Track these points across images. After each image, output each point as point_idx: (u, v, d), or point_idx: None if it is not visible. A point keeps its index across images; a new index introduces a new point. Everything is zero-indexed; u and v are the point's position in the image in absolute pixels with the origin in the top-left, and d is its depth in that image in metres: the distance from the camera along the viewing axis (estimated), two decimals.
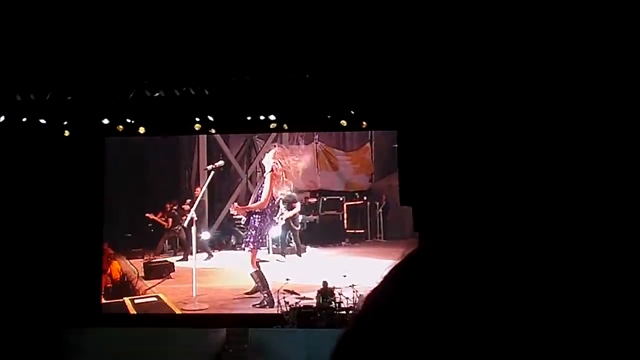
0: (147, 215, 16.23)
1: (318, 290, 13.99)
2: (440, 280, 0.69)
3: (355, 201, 16.76)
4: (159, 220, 16.24)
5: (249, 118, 13.90)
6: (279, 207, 16.08)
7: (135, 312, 15.74)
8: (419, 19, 11.43)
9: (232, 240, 16.33)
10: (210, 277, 16.08)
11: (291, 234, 16.32)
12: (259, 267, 15.70)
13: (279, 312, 13.96)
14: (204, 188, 16.34)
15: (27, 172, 13.78)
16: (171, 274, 16.13)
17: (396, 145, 13.08)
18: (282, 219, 16.14)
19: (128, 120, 13.65)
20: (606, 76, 10.71)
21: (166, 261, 16.26)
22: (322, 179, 16.83)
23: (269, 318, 14.07)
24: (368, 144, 16.42)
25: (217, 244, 16.47)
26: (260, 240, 15.94)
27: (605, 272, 0.69)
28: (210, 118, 13.96)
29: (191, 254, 16.05)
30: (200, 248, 16.30)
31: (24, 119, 13.35)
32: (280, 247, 16.28)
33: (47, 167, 13.94)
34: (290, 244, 16.36)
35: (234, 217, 16.24)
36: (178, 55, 12.64)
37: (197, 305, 15.62)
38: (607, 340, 0.64)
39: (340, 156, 16.87)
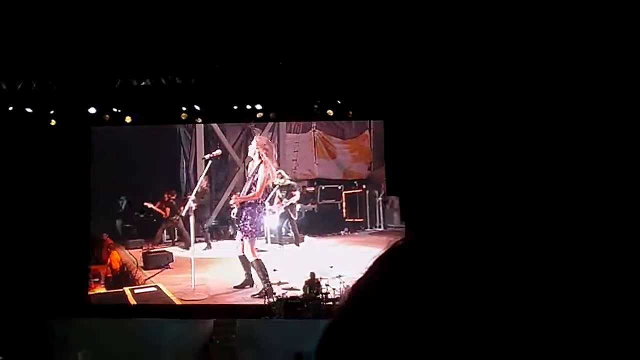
0: (145, 204, 16.32)
1: (305, 281, 13.92)
2: (425, 271, 0.69)
3: (354, 190, 16.60)
4: (157, 209, 16.31)
5: (235, 107, 13.83)
6: (273, 195, 16.03)
7: (135, 302, 15.87)
8: (404, 11, 11.28)
9: (230, 230, 16.33)
10: (209, 266, 16.13)
11: (289, 223, 16.25)
12: (256, 257, 15.70)
13: (266, 303, 13.93)
14: (202, 177, 16.37)
15: (13, 161, 13.85)
16: (170, 264, 16.21)
17: None
18: (282, 207, 16.08)
19: (114, 110, 13.68)
20: (593, 73, 10.50)
21: (165, 251, 16.34)
22: (320, 167, 16.70)
23: (256, 309, 14.06)
24: (367, 132, 16.21)
25: (216, 234, 16.49)
26: (256, 230, 15.91)
27: (587, 260, 0.70)
28: (197, 107, 13.93)
29: (189, 244, 16.12)
30: (201, 237, 16.37)
31: (10, 108, 13.41)
32: (277, 237, 16.23)
33: (33, 156, 13.99)
34: (289, 234, 16.30)
35: (231, 207, 16.22)
36: (164, 44, 12.63)
37: (197, 295, 15.70)
38: (589, 321, 0.65)
39: (339, 144, 16.70)
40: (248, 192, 16.01)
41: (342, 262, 14.90)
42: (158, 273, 16.11)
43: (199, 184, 16.33)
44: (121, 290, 16.00)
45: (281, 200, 16.04)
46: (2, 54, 12.39)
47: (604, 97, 10.67)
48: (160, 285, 16.00)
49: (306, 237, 16.32)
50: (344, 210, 16.73)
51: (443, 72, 12.03)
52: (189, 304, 15.39)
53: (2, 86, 12.94)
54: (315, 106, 13.09)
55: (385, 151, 12.49)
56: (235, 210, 15.94)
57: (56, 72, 13.03)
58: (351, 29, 12.00)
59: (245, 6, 11.99)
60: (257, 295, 15.27)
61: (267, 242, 16.22)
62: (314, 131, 16.51)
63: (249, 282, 15.50)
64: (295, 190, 16.25)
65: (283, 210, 16.13)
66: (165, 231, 16.42)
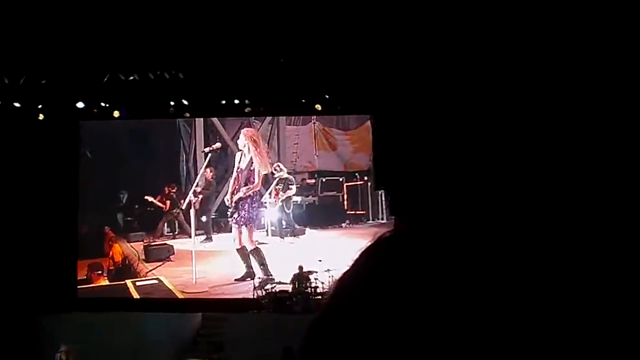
0: (146, 197, 16.40)
1: (294, 275, 13.82)
2: (412, 263, 0.69)
3: (355, 181, 16.42)
4: (157, 202, 16.38)
5: (223, 102, 13.76)
6: (272, 188, 15.97)
7: (137, 295, 15.97)
8: (391, 5, 11.17)
9: (230, 223, 16.32)
10: (210, 259, 16.14)
11: (286, 216, 16.16)
12: (254, 246, 15.69)
13: (255, 297, 13.88)
14: (202, 170, 16.37)
15: (1, 156, 13.97)
16: (171, 257, 16.27)
17: None
18: (279, 200, 16.01)
19: (102, 104, 13.73)
20: (585, 68, 10.26)
21: (165, 244, 16.40)
22: (321, 159, 16.56)
23: (245, 303, 14.01)
24: (368, 122, 15.95)
25: (216, 227, 16.50)
26: (251, 220, 15.87)
27: (573, 252, 0.71)
28: (185, 102, 13.90)
29: (190, 236, 16.17)
30: (204, 230, 16.41)
31: None
32: (278, 229, 16.16)
33: (21, 150, 14.10)
34: (290, 226, 16.21)
35: (232, 201, 16.19)
36: (152, 39, 12.62)
37: (198, 287, 15.73)
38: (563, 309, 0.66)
39: (339, 135, 16.53)
40: (245, 184, 15.94)
41: (344, 254, 14.73)
42: (159, 266, 16.19)
43: (199, 176, 16.34)
44: (123, 282, 16.13)
45: (277, 193, 15.96)
46: None
47: (590, 89, 10.40)
48: (162, 278, 16.07)
49: (307, 230, 16.22)
50: (345, 203, 16.57)
51: (432, 66, 11.82)
52: (175, 298, 15.44)
53: None
54: (304, 100, 12.90)
55: (374, 145, 12.31)
56: (232, 203, 15.92)
57: (44, 66, 13.11)
58: (339, 23, 11.85)
59: (233, 2, 11.90)
60: (257, 286, 15.18)
61: (267, 235, 16.17)
62: (314, 123, 16.35)
63: (249, 274, 15.47)
64: (292, 184, 16.14)
65: (280, 204, 16.04)
66: (165, 224, 16.48)
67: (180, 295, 15.76)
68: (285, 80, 12.96)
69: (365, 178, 16.24)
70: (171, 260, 16.25)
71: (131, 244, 16.39)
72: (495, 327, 0.64)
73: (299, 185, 16.34)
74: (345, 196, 16.54)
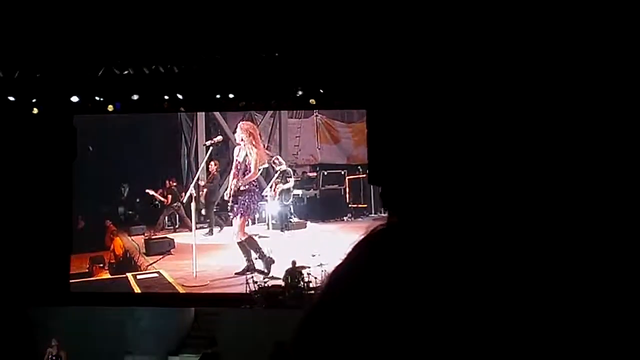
0: (147, 191, 16.36)
1: (286, 270, 13.67)
2: (405, 256, 0.68)
3: (357, 175, 16.21)
4: (158, 196, 16.33)
5: (218, 96, 13.64)
6: (271, 181, 15.85)
7: (138, 288, 15.95)
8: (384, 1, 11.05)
9: (230, 216, 16.22)
10: (211, 253, 16.06)
11: (285, 209, 16.01)
12: (247, 235, 15.62)
13: (248, 291, 13.76)
14: (203, 164, 16.29)
15: None
16: (171, 250, 16.22)
17: None
18: (277, 191, 15.87)
19: (97, 98, 13.68)
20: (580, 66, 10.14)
21: (166, 237, 16.35)
22: (323, 152, 16.37)
23: (238, 298, 13.89)
24: None
25: (218, 220, 16.41)
26: (248, 211, 15.77)
27: (567, 245, 0.70)
28: (180, 96, 13.80)
29: (191, 230, 16.10)
30: (208, 223, 16.33)
31: None
32: (278, 222, 16.02)
33: (15, 144, 14.10)
34: (291, 220, 16.07)
35: (231, 193, 16.09)
36: (147, 33, 12.55)
37: (198, 281, 15.67)
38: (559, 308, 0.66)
39: (342, 128, 16.32)
40: (243, 176, 15.85)
41: (343, 249, 14.54)
42: (160, 259, 16.15)
43: (200, 169, 16.28)
44: (124, 276, 16.12)
45: (276, 185, 15.84)
46: None
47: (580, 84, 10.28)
48: (162, 272, 16.03)
49: (308, 223, 16.06)
50: (347, 196, 16.38)
51: (426, 62, 11.72)
52: (168, 292, 15.38)
53: None
54: (299, 94, 12.74)
55: (368, 141, 12.15)
56: (230, 197, 15.85)
57: (39, 60, 13.08)
58: (334, 17, 11.72)
59: None
60: (253, 278, 15.06)
61: (268, 228, 16.04)
62: (316, 116, 16.17)
63: (250, 268, 15.36)
64: (290, 177, 15.99)
65: (278, 196, 15.90)
66: (166, 218, 16.42)
67: (180, 289, 15.71)
68: (280, 74, 12.81)
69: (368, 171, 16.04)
70: (172, 254, 16.20)
71: (132, 237, 16.37)
72: (489, 322, 0.63)
73: (299, 179, 16.18)
74: (347, 189, 16.35)
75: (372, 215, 16.06)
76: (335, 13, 11.19)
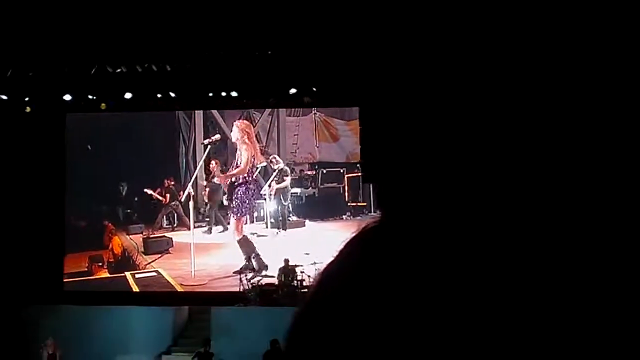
0: (145, 190, 16.32)
1: (279, 268, 13.58)
2: (399, 253, 0.67)
3: (357, 173, 16.08)
4: (156, 195, 16.29)
5: (210, 94, 13.58)
6: (266, 177, 15.79)
7: (136, 287, 15.92)
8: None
9: (228, 215, 16.16)
10: (210, 251, 16.00)
11: (279, 208, 15.93)
12: (242, 235, 15.57)
13: (241, 289, 13.68)
14: (201, 162, 16.24)
15: None
16: (170, 249, 16.19)
17: None
18: (270, 191, 15.80)
19: (90, 97, 13.65)
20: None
21: (165, 236, 16.32)
22: (322, 150, 16.26)
23: (231, 296, 13.81)
24: None
25: (218, 219, 16.35)
26: (244, 210, 15.70)
27: (561, 244, 0.69)
28: (172, 94, 13.74)
29: (189, 228, 16.06)
30: (208, 221, 16.29)
31: None
32: (275, 221, 15.93)
33: (8, 143, 14.07)
34: (290, 219, 15.98)
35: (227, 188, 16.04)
36: (140, 32, 12.52)
37: (197, 280, 15.62)
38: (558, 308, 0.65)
39: (341, 126, 16.20)
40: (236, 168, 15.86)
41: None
42: (158, 258, 16.12)
43: (198, 167, 16.23)
44: (123, 275, 16.10)
45: (270, 184, 15.78)
46: None
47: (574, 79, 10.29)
48: (161, 270, 16.00)
49: (307, 222, 15.97)
50: (346, 194, 16.27)
51: (419, 60, 11.72)
52: (163, 291, 15.34)
53: None
54: (292, 92, 12.66)
55: (361, 139, 12.05)
56: (226, 194, 15.81)
57: (31, 59, 13.07)
58: (327, 15, 11.68)
59: None
60: (246, 276, 14.99)
61: (266, 227, 15.96)
62: (314, 114, 16.07)
63: (249, 266, 15.29)
64: (286, 175, 15.90)
65: (274, 195, 15.82)
66: (164, 217, 16.38)
67: (178, 288, 15.67)
68: (273, 72, 12.75)
69: None
70: (170, 253, 16.17)
71: (130, 236, 16.35)
72: (482, 320, 0.62)
73: (296, 177, 16.08)
74: (346, 188, 16.24)
75: (372, 213, 15.91)
76: (329, 10, 11.13)
